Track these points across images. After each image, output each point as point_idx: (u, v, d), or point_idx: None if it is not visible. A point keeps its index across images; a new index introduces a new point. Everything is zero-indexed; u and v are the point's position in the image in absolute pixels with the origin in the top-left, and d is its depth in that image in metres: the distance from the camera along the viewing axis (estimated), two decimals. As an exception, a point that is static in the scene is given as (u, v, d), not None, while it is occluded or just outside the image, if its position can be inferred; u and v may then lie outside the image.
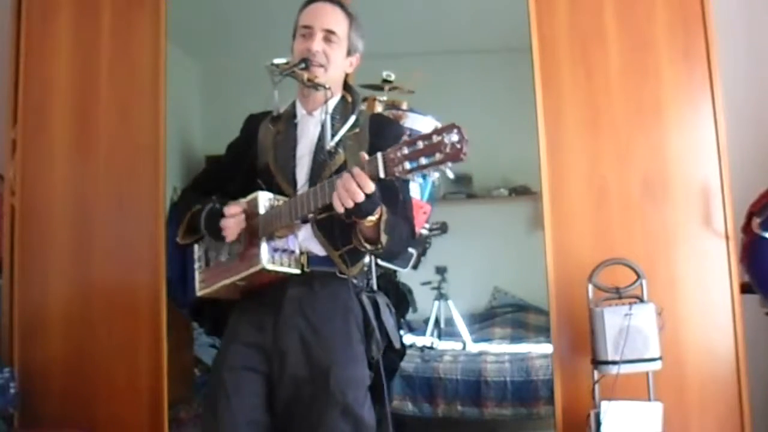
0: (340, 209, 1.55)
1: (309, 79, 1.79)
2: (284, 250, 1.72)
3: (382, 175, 1.50)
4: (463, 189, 3.52)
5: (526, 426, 3.13)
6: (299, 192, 1.78)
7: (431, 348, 3.46)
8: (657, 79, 2.80)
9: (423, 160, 1.44)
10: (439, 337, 3.49)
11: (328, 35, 1.84)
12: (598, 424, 2.45)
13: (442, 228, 3.37)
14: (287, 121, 1.89)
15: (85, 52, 2.97)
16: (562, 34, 2.84)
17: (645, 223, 2.75)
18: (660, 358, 2.48)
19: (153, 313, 2.79)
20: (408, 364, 3.33)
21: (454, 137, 1.41)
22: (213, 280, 1.83)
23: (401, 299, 3.22)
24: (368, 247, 1.69)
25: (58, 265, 2.88)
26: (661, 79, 2.80)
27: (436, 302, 3.51)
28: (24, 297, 2.87)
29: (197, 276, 1.89)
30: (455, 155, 1.41)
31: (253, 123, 1.96)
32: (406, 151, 1.47)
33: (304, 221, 1.75)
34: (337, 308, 1.77)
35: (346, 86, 1.95)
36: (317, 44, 1.82)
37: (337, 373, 1.71)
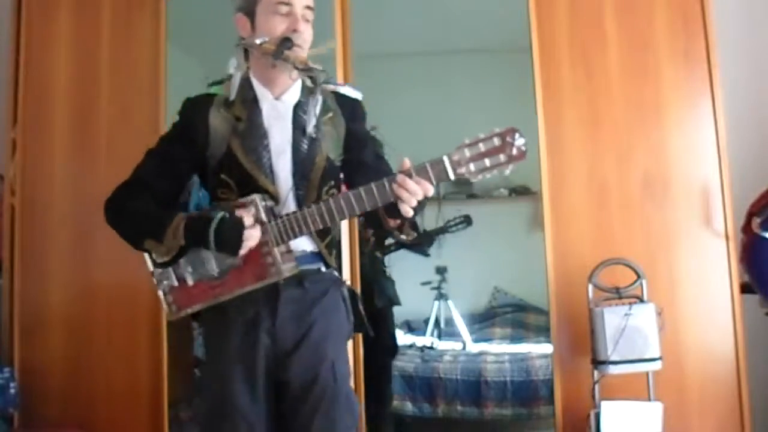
0: (409, 213, 1.53)
1: (302, 62, 1.63)
2: (288, 252, 1.65)
3: (452, 177, 1.51)
4: (463, 189, 3.52)
5: (526, 426, 3.14)
6: (282, 188, 1.67)
7: (431, 348, 3.46)
8: (657, 79, 2.80)
9: (487, 162, 1.50)
10: (439, 337, 3.49)
11: (306, 13, 1.70)
12: (598, 424, 2.45)
13: (467, 220, 3.38)
14: (248, 107, 1.70)
15: (85, 52, 2.97)
16: (562, 34, 2.84)
17: (645, 223, 2.75)
18: (660, 358, 2.48)
19: (153, 313, 2.79)
20: (408, 364, 3.33)
21: (519, 141, 1.49)
22: (199, 298, 1.67)
23: (389, 290, 3.24)
24: (403, 237, 1.68)
25: (58, 265, 2.88)
26: (661, 79, 2.80)
27: (436, 302, 3.51)
28: (24, 297, 2.87)
29: (164, 297, 1.71)
30: (520, 157, 1.50)
31: (196, 108, 1.72)
32: (467, 153, 1.51)
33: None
34: (331, 304, 1.74)
35: None
36: (302, 24, 1.67)
37: (339, 368, 1.69)
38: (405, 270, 3.46)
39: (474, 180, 1.53)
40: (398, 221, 1.63)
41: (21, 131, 2.93)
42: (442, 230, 3.41)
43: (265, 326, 1.68)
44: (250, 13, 1.71)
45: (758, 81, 3.12)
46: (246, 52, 1.69)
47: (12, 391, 2.68)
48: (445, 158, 1.51)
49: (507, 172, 1.52)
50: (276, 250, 1.61)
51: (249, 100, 1.71)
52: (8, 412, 2.72)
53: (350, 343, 2.69)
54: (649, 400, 2.51)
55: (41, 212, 2.91)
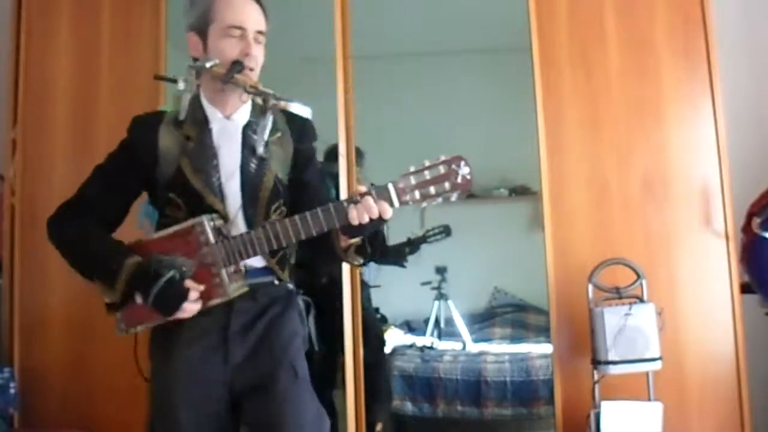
0: (360, 222, 1.54)
1: (252, 86, 1.64)
2: (236, 272, 1.65)
3: (396, 204, 1.53)
4: (462, 189, 3.52)
5: (526, 426, 3.14)
6: (231, 208, 1.68)
7: (431, 348, 3.46)
8: (657, 79, 2.80)
9: (432, 190, 1.52)
10: (439, 337, 3.50)
11: (258, 37, 1.71)
12: (598, 424, 2.45)
13: (446, 231, 3.40)
14: (198, 126, 1.70)
15: (85, 52, 2.97)
16: (562, 34, 2.84)
17: (645, 223, 2.75)
18: (660, 358, 2.48)
19: (153, 313, 2.79)
20: (408, 364, 3.33)
21: (464, 170, 1.51)
22: (147, 317, 1.66)
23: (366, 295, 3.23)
24: (357, 261, 1.71)
25: (58, 265, 2.83)
26: (661, 79, 2.80)
27: (436, 302, 3.52)
28: (24, 297, 2.87)
29: (115, 315, 1.72)
30: (464, 186, 1.52)
31: (145, 127, 1.72)
32: (413, 181, 1.52)
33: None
34: (282, 308, 1.73)
35: None
36: (255, 48, 1.69)
37: (299, 368, 1.69)
38: (405, 270, 3.46)
39: (419, 207, 1.55)
40: (349, 241, 1.65)
41: (21, 131, 2.93)
42: (423, 240, 3.44)
43: (217, 339, 1.67)
44: (202, 33, 1.71)
45: (758, 81, 3.12)
46: (197, 71, 1.68)
47: (12, 391, 2.68)
48: (390, 186, 1.53)
49: (452, 199, 1.53)
50: (224, 272, 1.62)
51: (199, 120, 1.72)
52: (8, 412, 2.72)
53: (350, 345, 2.70)
54: (649, 400, 2.51)
55: (41, 212, 2.88)
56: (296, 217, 1.58)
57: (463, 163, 1.51)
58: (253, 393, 1.66)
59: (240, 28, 1.68)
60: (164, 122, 1.72)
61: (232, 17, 1.68)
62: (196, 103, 1.73)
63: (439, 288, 3.51)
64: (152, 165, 1.69)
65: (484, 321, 3.57)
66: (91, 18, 2.97)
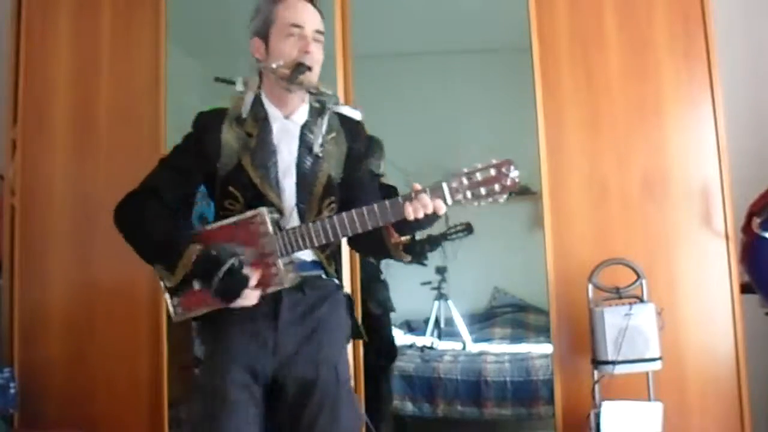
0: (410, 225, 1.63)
1: (315, 88, 1.73)
2: (291, 263, 1.72)
3: (449, 202, 1.61)
4: (462, 189, 3.52)
5: (526, 426, 3.14)
6: (287, 202, 1.75)
7: (431, 348, 3.46)
8: (657, 79, 2.80)
9: (482, 191, 1.60)
10: (439, 337, 3.49)
11: (317, 36, 1.79)
12: (598, 424, 2.45)
13: (468, 229, 3.39)
14: (259, 124, 1.79)
15: (85, 52, 2.97)
16: (562, 34, 2.84)
17: (645, 223, 2.75)
18: (660, 358, 2.48)
19: (153, 313, 2.79)
20: (408, 364, 3.33)
21: (514, 173, 1.59)
22: (204, 302, 1.71)
23: (383, 295, 3.26)
24: (406, 258, 1.78)
25: (58, 265, 2.88)
26: (661, 79, 2.80)
27: (436, 302, 3.52)
28: (24, 297, 2.87)
29: (170, 300, 1.76)
30: (512, 187, 1.60)
31: (209, 122, 1.81)
32: (465, 181, 1.60)
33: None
34: (330, 309, 1.80)
35: None
36: (314, 46, 1.77)
37: (341, 369, 1.77)
38: (405, 270, 3.45)
39: (468, 206, 1.62)
40: (399, 238, 1.73)
41: (21, 131, 2.94)
42: (444, 237, 3.42)
43: (266, 328, 1.72)
44: (264, 36, 1.79)
45: (758, 81, 3.12)
46: (259, 72, 1.78)
47: (12, 391, 2.68)
48: (444, 185, 1.61)
49: (501, 201, 1.61)
50: (280, 261, 1.67)
51: (260, 118, 1.79)
52: (8, 412, 2.72)
53: (350, 347, 2.70)
54: (649, 400, 2.51)
55: (41, 212, 2.91)
56: (353, 211, 1.64)
57: (512, 167, 1.59)
58: (295, 389, 1.72)
59: (299, 26, 1.76)
60: (226, 119, 1.80)
61: (291, 16, 1.76)
62: (258, 102, 1.80)
63: (439, 288, 3.51)
64: (214, 158, 1.76)
65: (484, 321, 3.57)
66: (91, 18, 2.97)
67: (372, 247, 1.84)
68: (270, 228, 1.67)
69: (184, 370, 2.86)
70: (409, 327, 3.61)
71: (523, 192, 3.45)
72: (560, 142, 2.79)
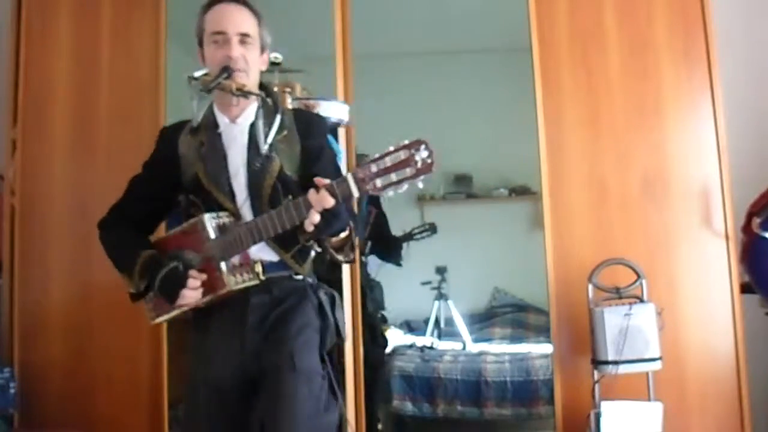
0: (309, 227, 1.59)
1: (238, 88, 1.73)
2: (241, 265, 1.74)
3: (356, 194, 1.54)
4: (463, 189, 3.52)
5: (526, 426, 3.14)
6: (240, 205, 1.78)
7: (431, 348, 3.46)
8: (657, 80, 2.80)
9: (393, 176, 1.50)
10: (439, 337, 3.49)
11: (243, 38, 1.79)
12: (598, 424, 2.45)
13: (431, 228, 3.44)
14: (209, 132, 1.83)
15: (85, 52, 2.97)
16: (562, 34, 2.84)
17: (645, 223, 2.75)
18: (660, 358, 2.48)
19: (153, 313, 2.79)
20: (408, 364, 3.33)
21: (424, 153, 1.48)
22: (167, 307, 1.78)
23: (376, 295, 3.26)
24: (341, 258, 1.78)
25: (58, 265, 2.88)
26: (661, 79, 2.80)
27: (436, 302, 3.51)
28: (24, 297, 2.87)
29: (146, 304, 1.84)
30: (426, 169, 1.49)
31: (169, 136, 1.88)
32: (374, 168, 1.51)
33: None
34: (294, 302, 1.79)
35: (262, 85, 1.85)
36: (236, 50, 1.77)
37: (299, 360, 1.73)
38: (405, 270, 3.46)
39: (384, 196, 1.55)
40: (306, 234, 1.67)
41: (21, 131, 2.94)
42: (409, 237, 3.47)
43: (235, 332, 1.77)
44: (200, 45, 1.85)
45: (758, 81, 3.12)
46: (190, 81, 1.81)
47: (12, 391, 2.68)
48: (350, 176, 1.54)
49: (419, 185, 1.52)
50: (223, 265, 1.70)
51: (210, 126, 1.84)
52: (8, 412, 2.72)
53: (349, 345, 2.70)
54: (649, 400, 2.51)
55: (41, 212, 2.90)
56: (272, 211, 1.65)
57: (423, 146, 1.49)
58: (260, 384, 1.73)
59: (220, 33, 1.78)
60: (184, 131, 1.86)
61: (213, 25, 1.80)
62: (208, 111, 1.86)
63: (439, 288, 3.51)
64: (176, 172, 1.84)
65: (484, 321, 3.57)
66: (91, 18, 2.97)
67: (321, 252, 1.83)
68: (211, 233, 1.71)
69: (184, 370, 2.86)
70: (409, 327, 3.61)
71: (523, 192, 3.46)
72: (560, 142, 2.79)
